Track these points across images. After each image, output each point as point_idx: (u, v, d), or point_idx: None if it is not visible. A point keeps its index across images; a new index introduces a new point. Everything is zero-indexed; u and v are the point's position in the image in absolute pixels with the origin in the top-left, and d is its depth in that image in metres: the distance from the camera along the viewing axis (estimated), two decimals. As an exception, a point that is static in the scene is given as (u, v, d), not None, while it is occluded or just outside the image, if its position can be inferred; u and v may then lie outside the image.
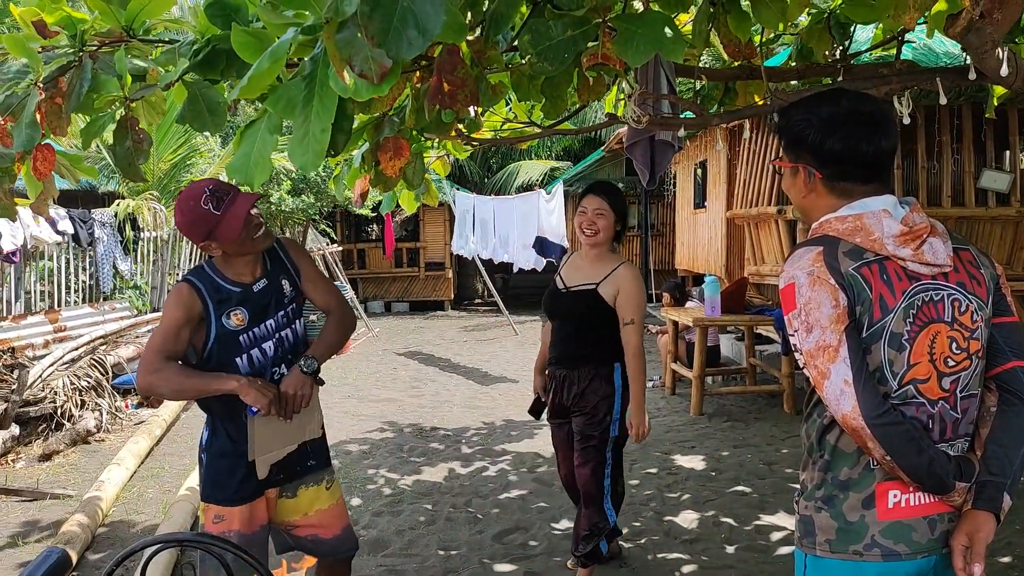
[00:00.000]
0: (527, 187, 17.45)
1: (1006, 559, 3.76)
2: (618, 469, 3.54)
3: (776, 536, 4.13)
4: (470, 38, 2.59)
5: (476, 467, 5.47)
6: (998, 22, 2.30)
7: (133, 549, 1.84)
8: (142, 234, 9.12)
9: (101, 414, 6.38)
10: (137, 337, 8.16)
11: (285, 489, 2.66)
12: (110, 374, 6.93)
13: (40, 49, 2.61)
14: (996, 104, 3.40)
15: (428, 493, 4.94)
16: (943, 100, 2.78)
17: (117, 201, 8.71)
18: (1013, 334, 1.72)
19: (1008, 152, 6.79)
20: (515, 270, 11.20)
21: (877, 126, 1.65)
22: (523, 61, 3.17)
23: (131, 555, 1.84)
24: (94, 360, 6.93)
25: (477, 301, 19.15)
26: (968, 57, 2.58)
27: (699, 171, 10.77)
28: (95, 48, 2.67)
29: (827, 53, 3.54)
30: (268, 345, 2.57)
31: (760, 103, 3.90)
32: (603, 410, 3.42)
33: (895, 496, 1.63)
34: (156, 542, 1.82)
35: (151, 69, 2.73)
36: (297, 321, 2.66)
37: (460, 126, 4.22)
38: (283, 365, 2.59)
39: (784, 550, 3.94)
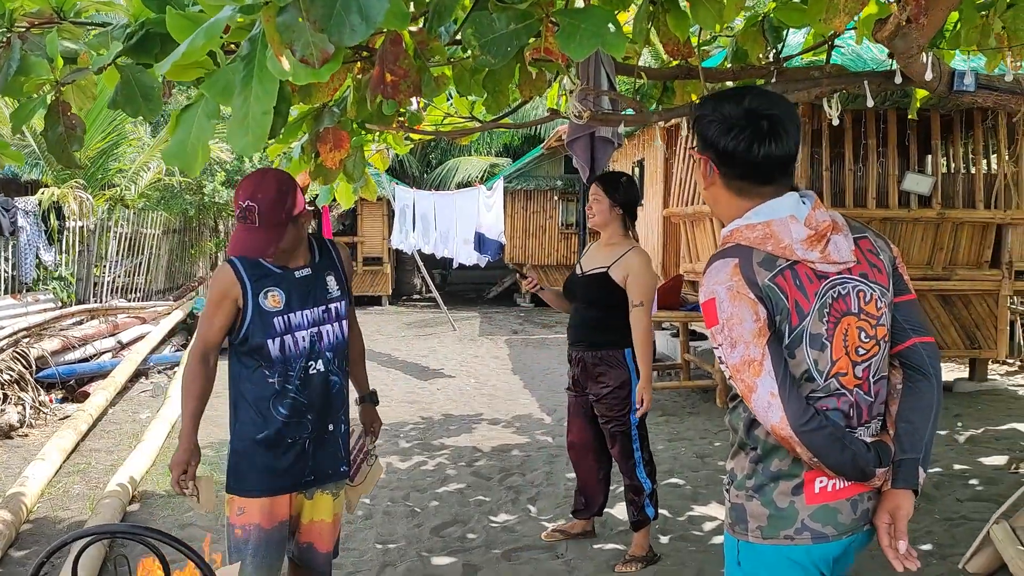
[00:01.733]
0: (467, 183, 17.46)
1: (926, 547, 3.92)
2: (644, 440, 3.79)
3: (708, 526, 4.22)
4: (413, 29, 2.59)
5: (414, 461, 5.47)
6: (924, 27, 2.40)
7: (63, 542, 1.80)
8: (68, 223, 8.83)
9: (24, 408, 6.17)
10: (62, 330, 7.91)
11: (308, 490, 2.66)
12: (34, 367, 6.70)
13: (-36, 29, 2.51)
14: (918, 107, 3.52)
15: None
16: (870, 103, 2.89)
17: (41, 189, 8.42)
18: (912, 312, 1.80)
19: (930, 156, 7.05)
20: (455, 265, 11.20)
21: (771, 131, 1.67)
22: (466, 55, 3.18)
23: (60, 548, 1.80)
24: (17, 353, 6.69)
25: (415, 296, 19.06)
26: (895, 62, 2.69)
27: (637, 169, 10.91)
28: (24, 29, 2.59)
29: (761, 56, 3.63)
30: (303, 335, 2.54)
31: (696, 101, 3.98)
32: (623, 395, 3.68)
33: (821, 482, 1.70)
34: (87, 534, 1.79)
35: (82, 52, 2.66)
36: (342, 322, 2.64)
37: (400, 119, 4.21)
38: (319, 361, 2.58)
39: (716, 539, 4.04)
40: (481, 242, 9.47)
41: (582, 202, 16.11)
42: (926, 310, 7.19)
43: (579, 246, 16.37)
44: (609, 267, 3.65)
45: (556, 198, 16.56)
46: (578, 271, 3.87)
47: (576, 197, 16.36)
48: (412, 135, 4.94)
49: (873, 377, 1.74)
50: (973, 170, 7.05)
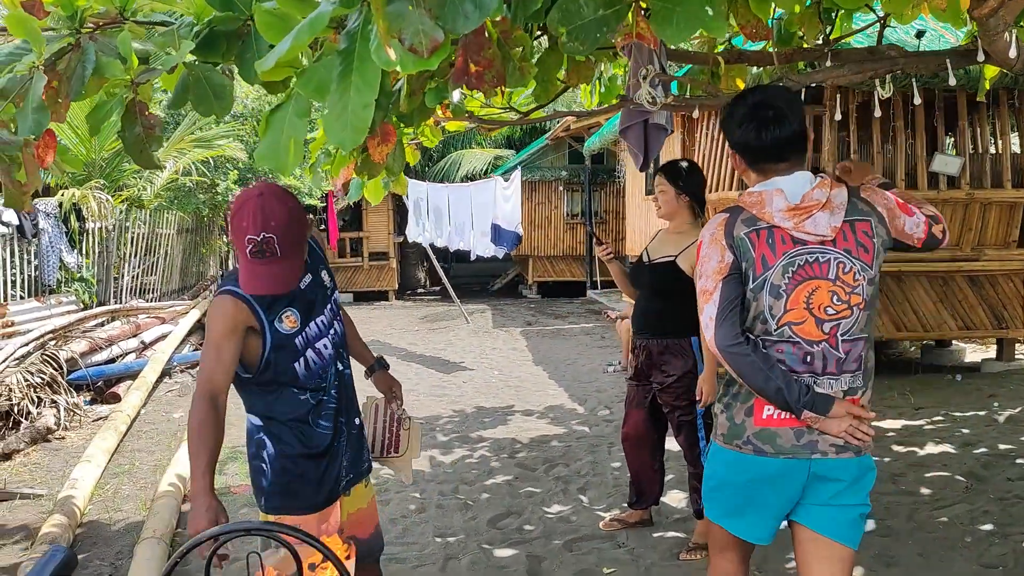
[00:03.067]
0: (471, 176, 17.40)
1: (987, 527, 3.92)
2: (709, 429, 3.73)
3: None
4: (497, 18, 2.57)
5: (456, 455, 5.46)
6: (1012, 5, 2.39)
7: (199, 540, 1.78)
8: (87, 225, 8.78)
9: (59, 411, 6.14)
10: (86, 332, 7.87)
11: (348, 489, 2.55)
12: (64, 369, 6.67)
13: (35, 30, 2.48)
14: (988, 88, 3.51)
15: (414, 482, 4.88)
16: (952, 81, 2.88)
17: (62, 191, 8.37)
18: None
19: (956, 137, 7.05)
20: (472, 258, 11.16)
21: (775, 118, 2.09)
22: (534, 45, 3.16)
23: (195, 547, 1.79)
24: (46, 356, 6.65)
25: (420, 290, 19.05)
26: (919, 40, 2.67)
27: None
28: (92, 30, 2.56)
29: (814, 38, 3.61)
30: (324, 343, 2.42)
31: (742, 86, 3.97)
32: (689, 383, 3.65)
33: (768, 410, 2.11)
34: (221, 532, 1.77)
35: (150, 52, 2.64)
36: (339, 313, 2.55)
37: (439, 112, 4.19)
38: (339, 363, 2.48)
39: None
40: (498, 234, 9.43)
41: (587, 192, 16.09)
42: (954, 291, 7.20)
43: (585, 236, 16.33)
44: (677, 256, 3.62)
45: (561, 188, 16.52)
46: (645, 259, 3.82)
47: (581, 187, 16.32)
48: (448, 126, 4.93)
49: (842, 336, 2.08)
50: (997, 150, 7.05)
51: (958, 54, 2.83)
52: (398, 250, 17.24)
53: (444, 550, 3.90)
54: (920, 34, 5.31)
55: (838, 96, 6.59)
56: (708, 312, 2.07)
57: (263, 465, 2.40)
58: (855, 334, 2.09)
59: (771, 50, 3.95)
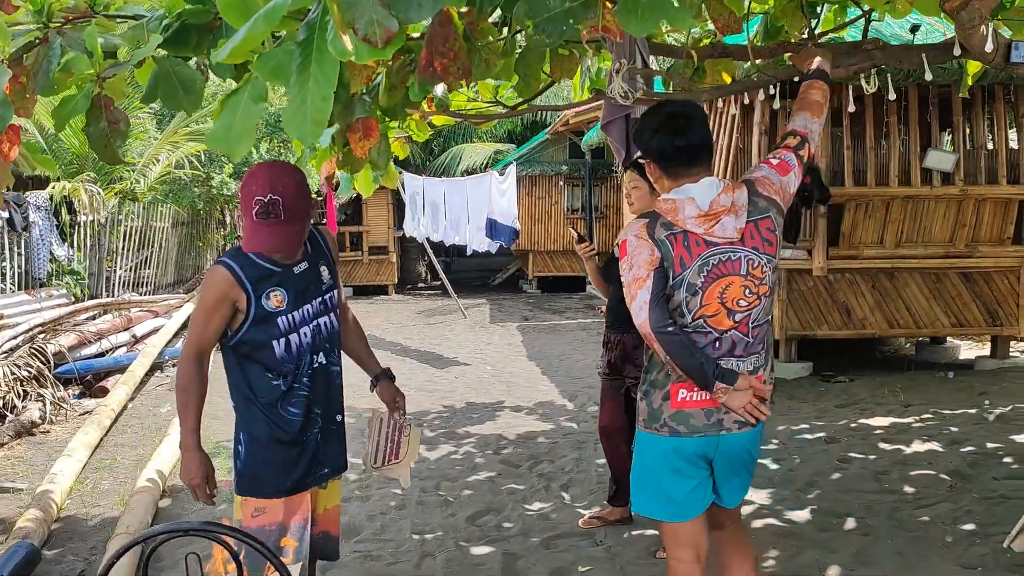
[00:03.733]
0: (472, 170, 17.33)
1: (968, 526, 3.88)
2: None
3: (746, 510, 4.17)
4: (463, 9, 2.53)
5: (442, 451, 5.43)
6: (986, -1, 2.34)
7: (137, 540, 1.76)
8: (79, 218, 8.76)
9: (45, 405, 6.13)
10: (76, 325, 7.86)
11: (323, 482, 2.64)
12: (51, 363, 6.65)
13: (1, 25, 2.45)
14: (970, 84, 3.45)
15: (396, 477, 4.86)
16: (928, 76, 2.83)
17: (52, 184, 8.35)
18: None
19: (950, 132, 6.98)
20: (468, 252, 11.12)
21: (686, 127, 2.33)
22: (499, 37, 3.12)
23: (134, 546, 1.76)
24: (34, 349, 6.64)
25: (420, 285, 19.01)
26: (955, 34, 2.62)
27: (647, 152, 10.84)
28: (60, 24, 2.52)
29: (798, 32, 3.57)
30: (306, 331, 2.51)
31: (728, 81, 3.92)
32: None
33: (681, 394, 2.35)
34: (160, 532, 1.74)
35: (120, 46, 2.61)
36: (335, 312, 2.62)
37: (426, 105, 4.15)
38: (320, 354, 2.55)
39: (755, 524, 4.01)
40: (494, 228, 9.40)
41: (588, 187, 16.02)
42: (947, 288, 7.15)
43: (586, 231, 16.27)
44: None
45: (561, 183, 16.44)
46: (616, 254, 3.81)
47: (582, 182, 16.24)
48: (435, 120, 4.87)
49: (752, 324, 2.36)
50: (994, 146, 6.98)
51: (935, 48, 2.78)
52: (398, 244, 17.20)
53: (421, 547, 3.87)
54: (915, 28, 5.25)
55: (832, 91, 6.53)
56: (642, 297, 2.26)
57: (239, 447, 2.54)
58: (762, 319, 2.38)
59: (759, 44, 3.92)
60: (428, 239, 12.06)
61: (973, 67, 3.17)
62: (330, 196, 14.39)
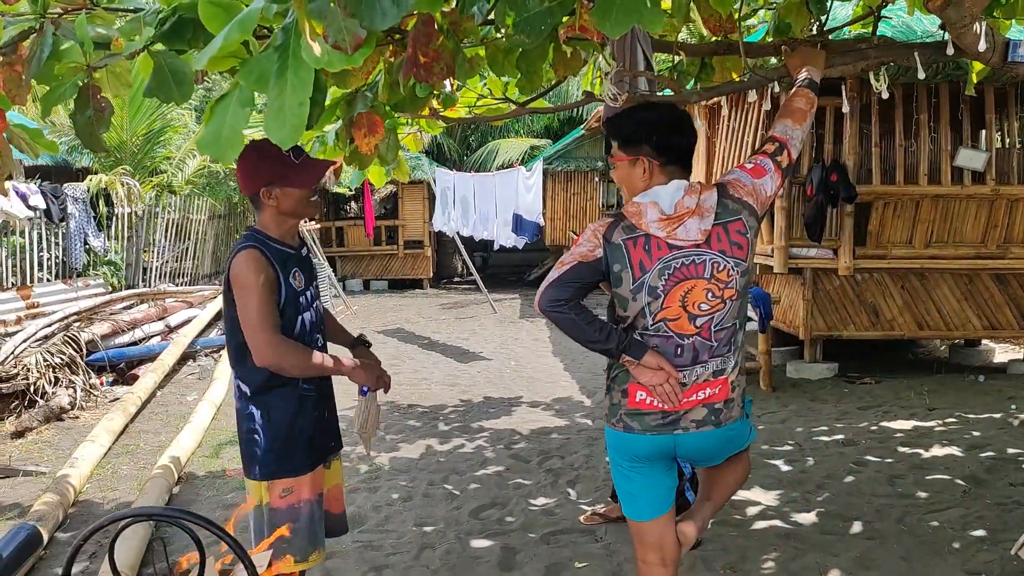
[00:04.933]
0: (507, 165, 17.35)
1: (978, 532, 3.81)
2: None
3: (751, 511, 4.16)
4: (445, 9, 2.55)
5: (453, 444, 5.47)
6: (975, -3, 2.29)
7: (101, 524, 1.81)
8: (116, 210, 8.99)
9: (75, 391, 6.31)
10: (112, 314, 8.06)
11: (328, 459, 2.75)
12: (84, 351, 6.85)
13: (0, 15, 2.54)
14: (976, 81, 3.38)
15: (405, 470, 4.93)
16: (921, 75, 2.78)
17: (89, 176, 8.56)
18: None
19: (984, 131, 6.82)
20: (496, 247, 11.16)
21: (687, 126, 2.40)
22: (498, 35, 3.14)
23: (100, 529, 1.82)
24: (68, 337, 6.84)
25: (456, 279, 19.09)
26: (946, 33, 2.58)
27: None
28: (58, 15, 2.60)
29: (804, 29, 3.52)
30: (311, 312, 2.64)
31: (736, 79, 3.89)
32: None
33: (640, 394, 2.34)
34: (125, 516, 1.80)
35: (115, 38, 2.67)
36: (320, 298, 2.78)
37: (435, 102, 4.17)
38: (317, 333, 2.68)
39: (759, 524, 3.98)
40: (519, 224, 9.41)
41: (622, 183, 15.91)
42: (980, 290, 7.00)
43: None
44: None
45: (597, 179, 16.39)
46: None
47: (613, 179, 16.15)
48: (442, 119, 4.89)
49: (715, 327, 2.34)
50: (1029, 145, 6.81)
51: (928, 47, 2.72)
52: (434, 239, 17.30)
53: (421, 539, 3.91)
54: (944, 25, 5.13)
55: (861, 86, 6.43)
56: (551, 276, 2.33)
57: (255, 435, 2.55)
58: (727, 323, 2.36)
59: (769, 39, 3.88)
60: (459, 233, 12.11)
61: (978, 65, 3.10)
62: (367, 191, 14.62)
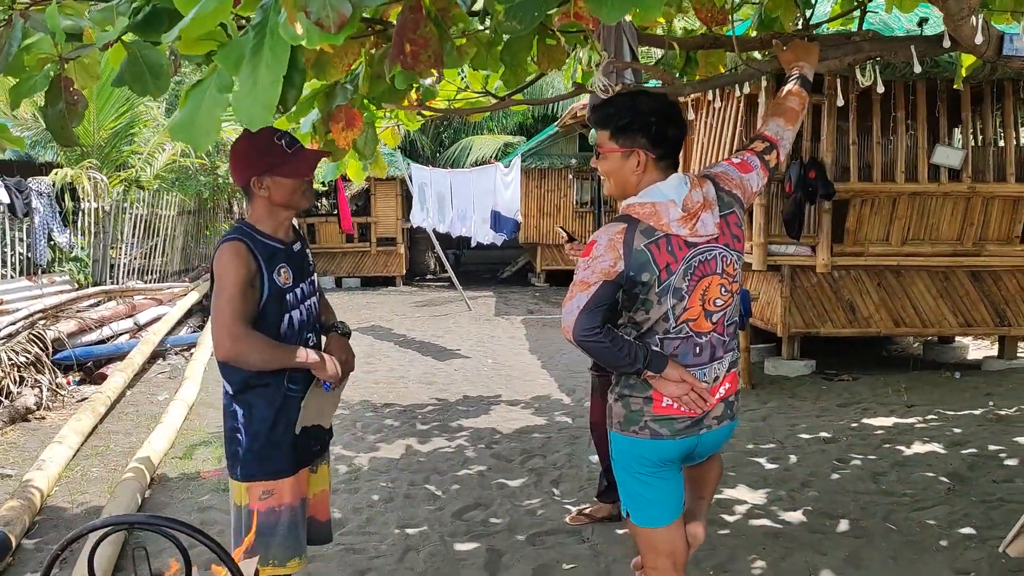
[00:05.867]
0: (481, 162, 17.26)
1: (965, 530, 3.80)
2: None
3: (740, 509, 4.12)
4: (433, -6, 2.47)
5: (434, 444, 5.38)
6: (977, -13, 2.25)
7: (77, 534, 1.71)
8: (82, 205, 8.77)
9: (41, 391, 6.13)
10: (79, 312, 7.86)
11: (314, 463, 2.66)
12: (50, 349, 6.65)
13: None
14: (964, 76, 3.36)
15: (385, 470, 4.83)
16: (917, 68, 2.75)
17: (55, 170, 8.33)
18: None
19: (959, 128, 6.85)
20: (473, 244, 11.07)
21: (680, 117, 2.32)
22: (483, 27, 3.06)
23: (76, 539, 1.71)
24: (33, 335, 6.64)
25: (429, 277, 18.96)
26: (944, 26, 2.54)
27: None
28: (26, 6, 2.49)
29: (792, 23, 3.48)
30: (302, 309, 2.55)
31: (722, 72, 3.84)
32: None
33: (667, 400, 2.27)
34: (102, 526, 1.70)
35: (86, 28, 2.56)
36: (317, 295, 2.70)
37: (413, 95, 4.08)
38: (312, 333, 2.60)
39: (747, 523, 3.94)
40: (498, 221, 9.34)
41: (597, 180, 15.91)
42: (955, 287, 7.04)
43: (594, 225, 16.15)
44: None
45: (571, 176, 16.35)
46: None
47: (591, 175, 16.15)
48: (424, 111, 4.80)
49: (727, 322, 2.33)
50: (1003, 143, 6.85)
51: (925, 41, 2.69)
52: (407, 236, 17.16)
53: (404, 541, 3.82)
54: (923, 22, 5.13)
55: (838, 84, 6.42)
56: (578, 300, 2.18)
57: (238, 435, 2.49)
58: (734, 316, 2.35)
59: (753, 34, 3.83)
60: (435, 230, 12.00)
61: (967, 59, 3.07)
62: (340, 188, 14.44)
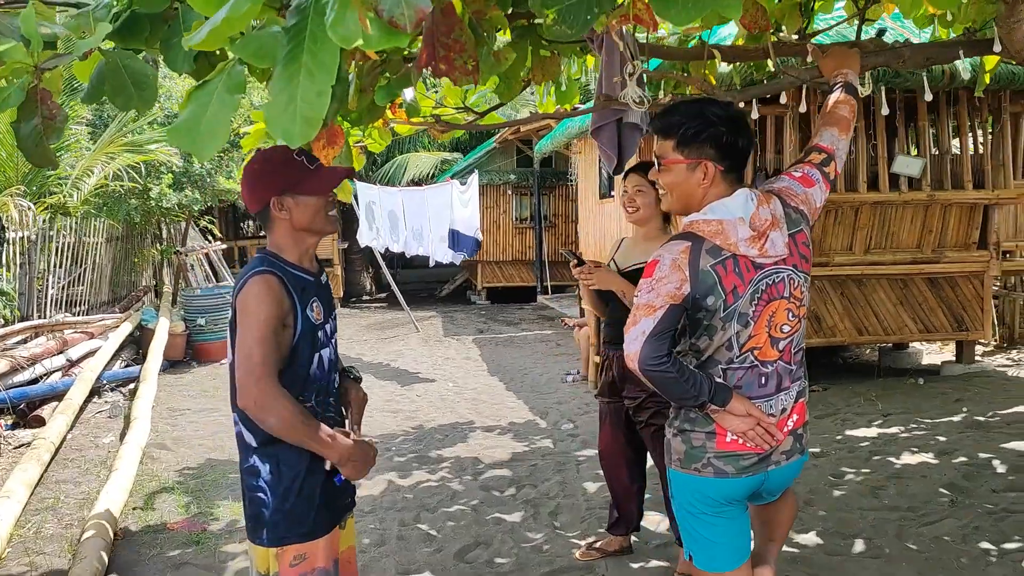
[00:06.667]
0: (418, 180, 16.98)
1: (983, 544, 3.73)
2: None
3: (750, 534, 3.98)
4: (466, -2, 2.26)
5: (415, 478, 5.10)
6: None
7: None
8: (7, 235, 8.17)
9: (-26, 439, 5.61)
10: (6, 350, 7.28)
11: (343, 517, 2.40)
12: (-21, 393, 6.11)
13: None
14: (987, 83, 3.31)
15: (370, 510, 4.53)
16: (966, 76, 2.65)
17: (-24, 199, 7.75)
18: None
19: (916, 138, 6.94)
20: (432, 264, 10.78)
21: (748, 129, 2.15)
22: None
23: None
24: (-40, 378, 6.09)
25: (365, 298, 18.55)
26: (996, 30, 2.45)
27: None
28: (-4, 8, 2.19)
29: (797, 31, 3.39)
30: (331, 347, 2.30)
31: (713, 82, 3.73)
32: (663, 398, 3.40)
33: (731, 435, 2.11)
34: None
35: (59, 35, 2.27)
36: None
37: (389, 113, 3.85)
38: (335, 372, 2.34)
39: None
40: (456, 239, 9.10)
41: (536, 196, 15.83)
42: (914, 294, 7.11)
43: (535, 241, 16.08)
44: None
45: (510, 192, 16.24)
46: (614, 268, 3.58)
47: (530, 191, 16.06)
48: (398, 129, 4.56)
49: (794, 349, 2.18)
50: (960, 151, 6.97)
51: (975, 44, 2.60)
52: (342, 257, 16.74)
53: (408, 589, 3.56)
54: (881, 33, 5.15)
55: (799, 96, 6.43)
56: (643, 326, 2.04)
57: (261, 494, 2.20)
58: (801, 343, 2.21)
59: (739, 44, 3.73)
60: (386, 249, 11.64)
61: (990, 63, 3.01)
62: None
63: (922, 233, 6.91)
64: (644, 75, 2.89)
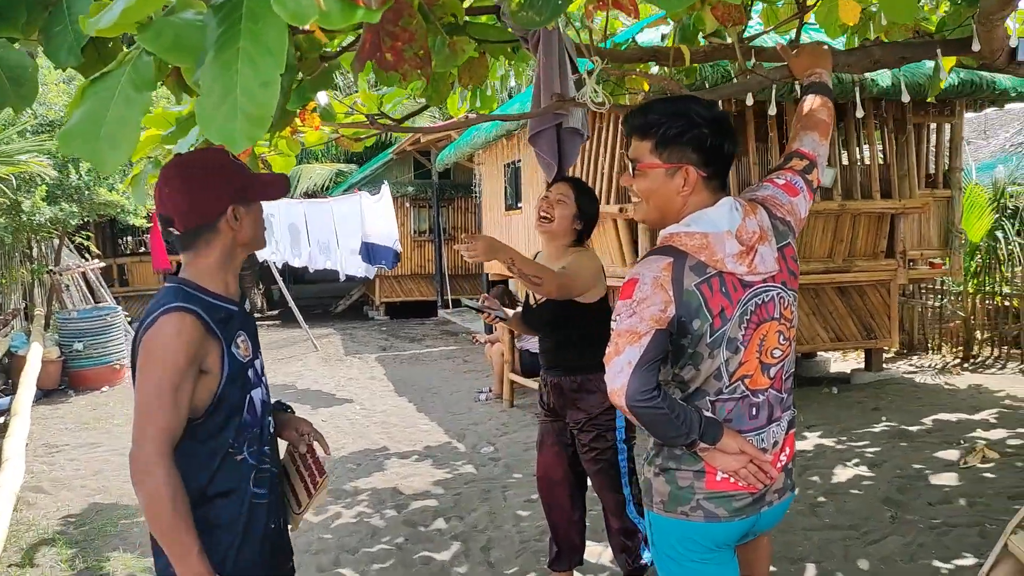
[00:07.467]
0: (313, 192, 16.38)
1: (929, 561, 3.64)
2: (633, 474, 3.28)
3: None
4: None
5: (330, 513, 4.67)
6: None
7: None
8: None
9: None
10: None
11: None
12: None
13: None
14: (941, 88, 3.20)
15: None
16: (943, 76, 2.51)
17: None
18: None
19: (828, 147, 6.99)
20: (342, 278, 10.27)
21: (731, 129, 1.92)
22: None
23: None
24: None
25: (256, 315, 17.74)
26: (975, 28, 2.31)
27: (511, 170, 10.46)
28: None
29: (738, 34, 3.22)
30: (260, 390, 1.92)
31: (646, 87, 3.54)
32: (607, 421, 3.20)
33: (721, 474, 1.89)
34: None
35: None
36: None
37: (297, 120, 3.51)
38: (269, 417, 1.96)
39: None
40: (371, 252, 8.66)
41: (435, 208, 15.51)
42: (825, 303, 7.16)
43: (435, 254, 15.76)
44: None
45: (407, 205, 15.85)
46: (531, 300, 3.34)
47: (428, 203, 15.74)
48: (309, 138, 4.18)
49: (785, 375, 1.96)
50: (870, 161, 7.07)
51: (952, 43, 2.45)
52: (231, 272, 15.90)
53: (335, 648, 3.17)
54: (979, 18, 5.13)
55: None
56: (628, 355, 1.77)
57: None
58: (791, 368, 2.00)
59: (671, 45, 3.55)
60: (286, 264, 11.03)
61: (948, 63, 2.90)
62: (155, 221, 13.10)
63: (833, 243, 6.95)
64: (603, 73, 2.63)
